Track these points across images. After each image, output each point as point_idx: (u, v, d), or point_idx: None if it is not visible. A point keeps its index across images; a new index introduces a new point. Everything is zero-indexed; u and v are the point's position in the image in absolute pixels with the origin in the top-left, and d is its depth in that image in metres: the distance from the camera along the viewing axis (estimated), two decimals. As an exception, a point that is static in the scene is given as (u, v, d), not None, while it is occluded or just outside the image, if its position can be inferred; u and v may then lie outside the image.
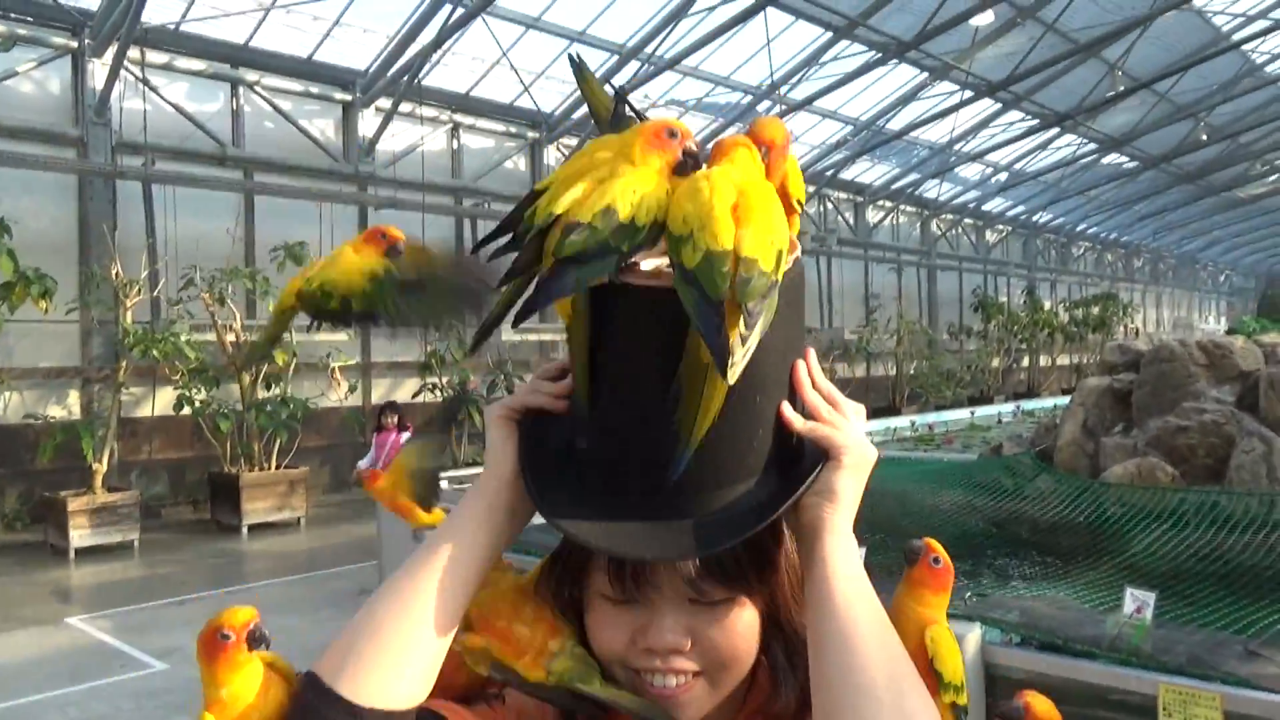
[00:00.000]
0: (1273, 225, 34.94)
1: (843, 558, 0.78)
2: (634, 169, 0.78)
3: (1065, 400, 13.96)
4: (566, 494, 0.81)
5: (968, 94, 17.48)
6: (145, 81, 10.89)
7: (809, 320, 18.99)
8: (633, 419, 0.79)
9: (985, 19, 14.85)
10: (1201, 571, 3.36)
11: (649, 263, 0.80)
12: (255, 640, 0.83)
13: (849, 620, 0.74)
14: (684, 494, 0.78)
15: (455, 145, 14.24)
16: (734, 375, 0.72)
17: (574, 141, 15.09)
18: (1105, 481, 4.59)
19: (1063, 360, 25.75)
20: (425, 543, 0.83)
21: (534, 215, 0.81)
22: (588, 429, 0.82)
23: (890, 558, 2.72)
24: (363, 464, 8.07)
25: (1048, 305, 25.60)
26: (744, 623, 0.83)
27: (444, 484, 6.73)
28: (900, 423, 10.14)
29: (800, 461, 0.81)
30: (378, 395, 13.17)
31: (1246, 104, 21.43)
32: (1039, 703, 0.81)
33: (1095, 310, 24.67)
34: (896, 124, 18.44)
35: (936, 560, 0.86)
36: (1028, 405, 12.22)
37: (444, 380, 11.44)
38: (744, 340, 0.72)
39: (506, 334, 13.15)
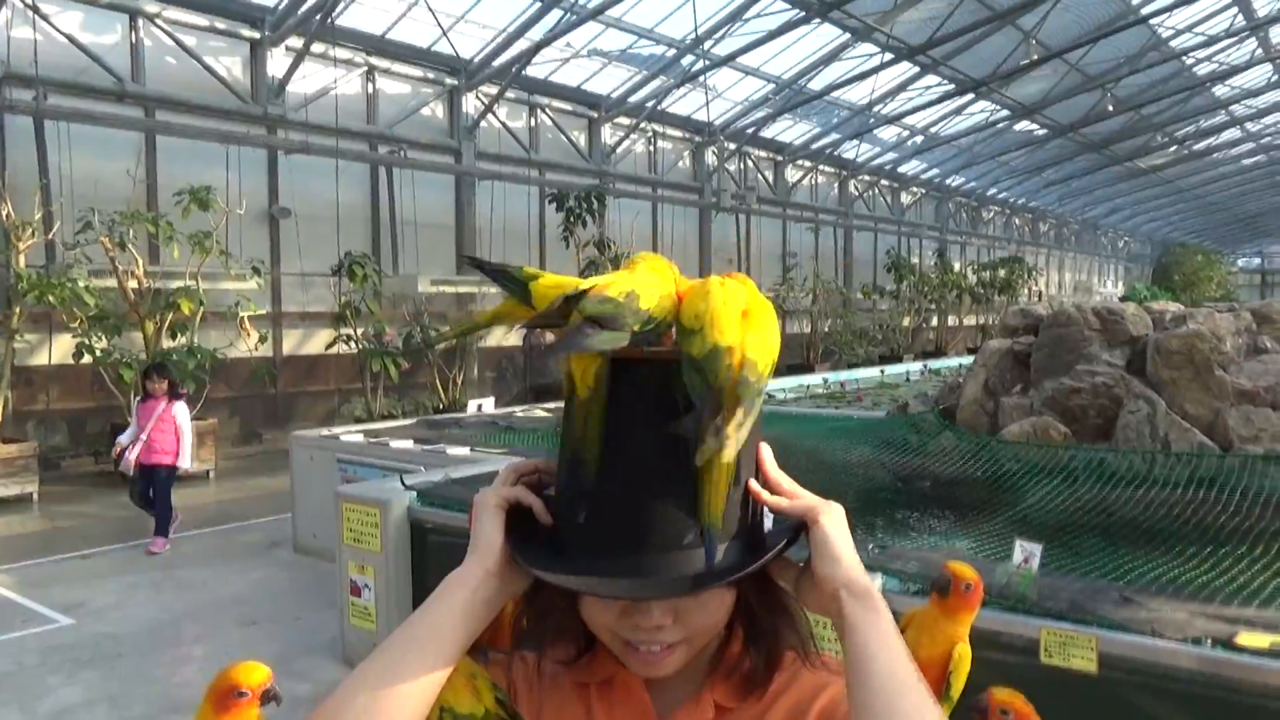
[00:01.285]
0: (1170, 195, 36.46)
1: (870, 621, 0.83)
2: (662, 279, 0.92)
3: (969, 360, 14.45)
4: (560, 563, 0.87)
5: (888, 56, 17.69)
6: (35, 9, 10.26)
7: (728, 277, 19.18)
8: (634, 483, 0.86)
9: (907, -18, 15.01)
10: (1087, 523, 3.57)
11: None
12: (268, 699, 0.87)
13: (889, 691, 0.79)
14: (671, 552, 0.85)
15: (370, 90, 13.82)
16: (729, 454, 0.81)
17: (494, 90, 14.81)
18: (1003, 439, 4.81)
19: (969, 321, 26.62)
20: (404, 630, 0.86)
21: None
22: (583, 498, 0.88)
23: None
24: (123, 439, 7.12)
25: (957, 267, 26.36)
26: (723, 601, 0.89)
27: (359, 438, 6.66)
28: (813, 380, 10.38)
29: (763, 532, 0.90)
30: (290, 346, 12.87)
31: (1151, 77, 22.21)
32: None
33: (1001, 273, 25.52)
34: (817, 84, 18.59)
35: (968, 586, 0.92)
36: (934, 364, 12.63)
37: (359, 332, 11.21)
38: (739, 427, 0.82)
39: (424, 286, 12.96)
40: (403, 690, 0.82)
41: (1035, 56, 18.82)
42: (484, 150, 15.18)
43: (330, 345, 11.59)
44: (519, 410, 8.24)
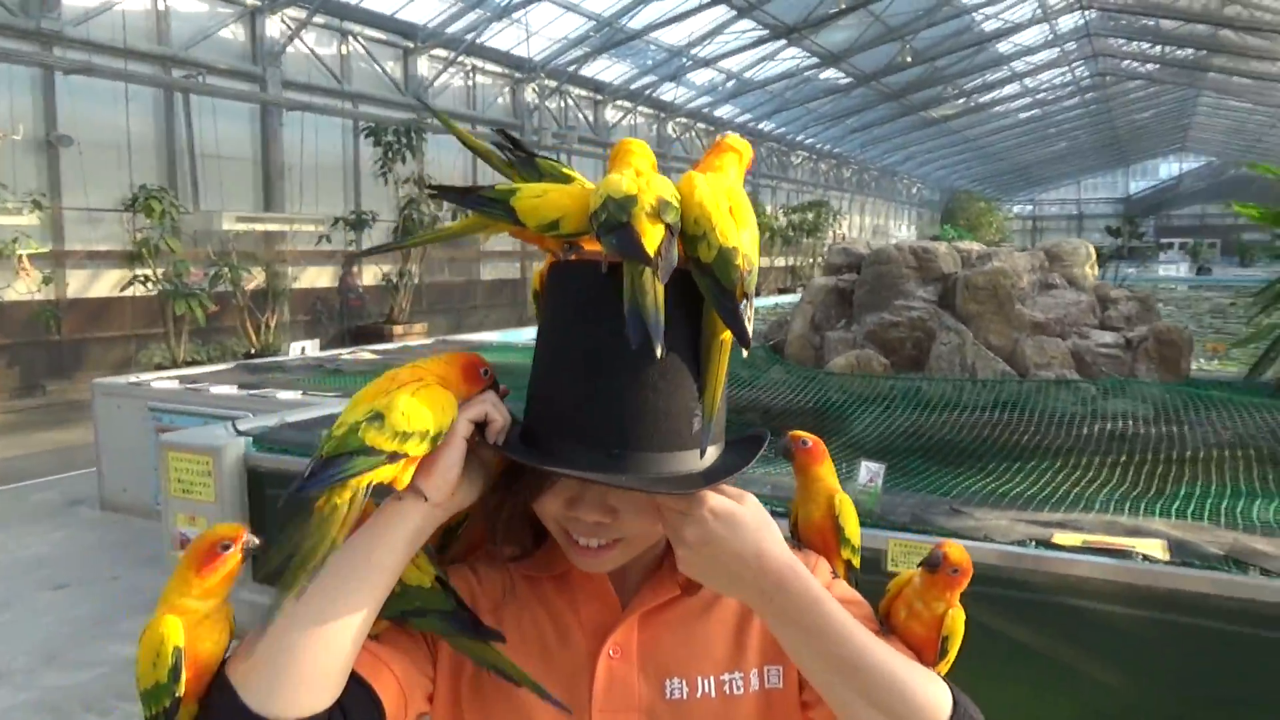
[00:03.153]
0: (957, 144, 39.16)
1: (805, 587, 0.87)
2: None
3: (784, 299, 15.11)
4: (559, 457, 0.88)
5: (705, -1, 17.92)
6: None
7: (550, 217, 19.07)
8: (629, 380, 0.87)
9: (725, -75, 15.18)
10: (910, 446, 3.87)
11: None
12: (250, 552, 0.85)
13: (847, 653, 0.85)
14: (669, 450, 0.88)
15: (161, 6, 12.63)
16: (747, 349, 0.88)
17: (301, 14, 13.88)
18: (829, 371, 5.11)
19: (779, 262, 27.75)
20: (341, 563, 0.84)
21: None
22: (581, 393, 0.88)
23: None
24: None
25: (769, 210, 27.34)
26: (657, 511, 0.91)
27: (173, 384, 6.23)
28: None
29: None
30: (75, 288, 11.76)
31: (944, 31, 23.63)
32: (954, 550, 0.95)
33: (810, 216, 26.71)
34: (637, 23, 18.59)
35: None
36: (756, 302, 13.12)
37: (157, 272, 10.39)
38: (749, 321, 0.87)
39: (228, 223, 12.15)
40: (340, 627, 0.82)
41: (843, 5, 19.59)
42: (291, 79, 14.26)
43: (124, 287, 10.69)
44: (344, 353, 7.95)
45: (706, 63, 21.83)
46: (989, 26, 25.05)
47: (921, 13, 21.70)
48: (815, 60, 23.41)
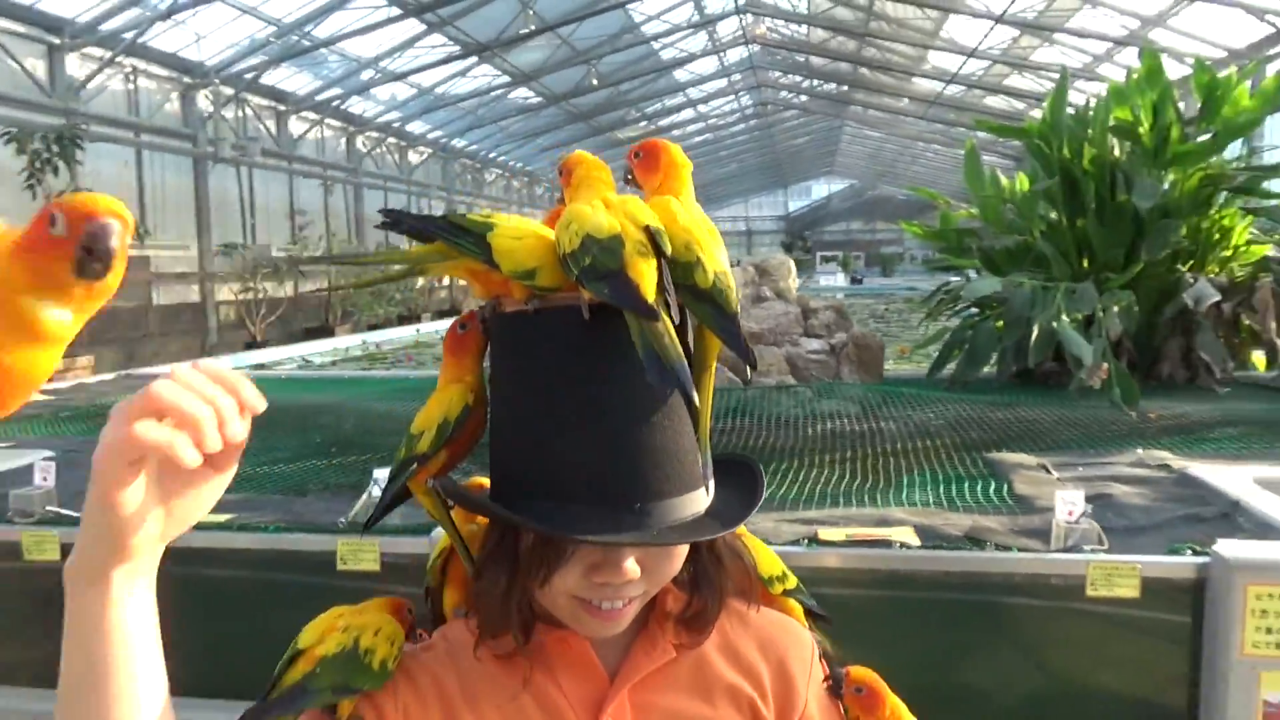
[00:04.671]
0: (641, 164, 41.29)
1: None
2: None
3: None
4: (574, 521, 0.81)
5: (395, 11, 17.50)
6: None
7: (232, 235, 17.67)
8: (630, 427, 0.82)
9: (414, -62, 14.95)
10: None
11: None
12: (96, 252, 0.58)
13: None
14: (687, 492, 0.84)
15: None
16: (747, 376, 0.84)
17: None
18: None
19: (480, 279, 27.71)
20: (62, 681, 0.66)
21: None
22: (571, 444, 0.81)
23: (353, 476, 2.78)
24: None
25: (466, 227, 27.19)
26: (683, 547, 0.89)
27: None
28: (349, 342, 10.10)
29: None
30: None
31: (628, 57, 24.87)
32: (854, 670, 0.98)
33: (508, 233, 26.96)
34: (323, 32, 17.77)
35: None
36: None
37: None
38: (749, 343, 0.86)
39: None
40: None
41: (533, 27, 19.99)
42: (-100, 73, 12.11)
43: None
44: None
45: (397, 76, 21.33)
46: (667, 55, 26.72)
47: (607, 38, 22.68)
48: (507, 79, 23.67)
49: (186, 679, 0.91)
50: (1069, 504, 2.13)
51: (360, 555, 2.41)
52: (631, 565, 0.85)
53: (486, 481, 0.91)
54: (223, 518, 2.76)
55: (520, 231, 0.89)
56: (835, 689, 0.97)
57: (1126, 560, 1.89)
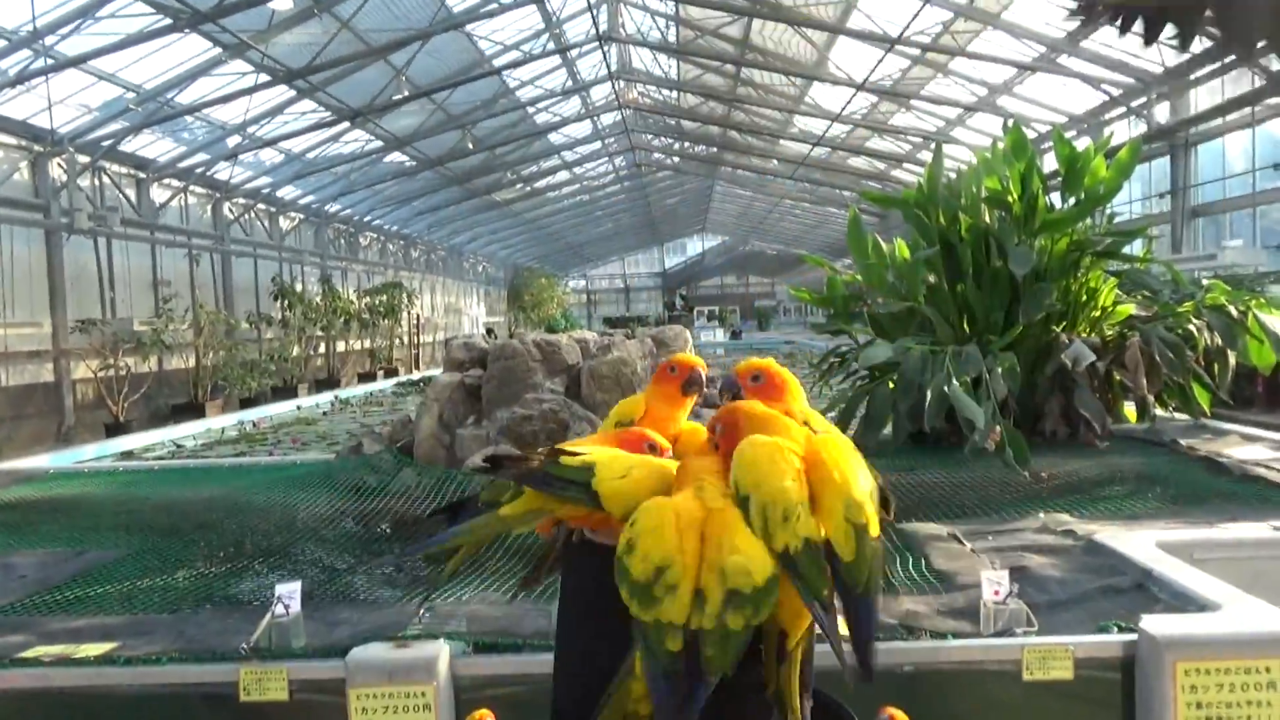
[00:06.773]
0: (519, 225, 41.33)
1: None
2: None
3: (381, 386, 14.65)
4: None
5: (264, 77, 17.11)
6: None
7: (90, 309, 16.70)
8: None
9: (284, 3, 14.70)
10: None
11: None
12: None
13: None
14: None
15: None
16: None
17: None
18: (466, 469, 5.03)
19: (356, 345, 26.99)
20: None
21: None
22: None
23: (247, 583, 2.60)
24: None
25: (342, 293, 26.53)
26: None
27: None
28: (224, 421, 9.59)
29: None
30: None
31: (503, 121, 25.00)
32: (898, 715, 0.96)
33: (385, 298, 26.41)
34: (186, 98, 17.19)
35: None
36: (344, 394, 12.54)
37: None
38: None
39: None
40: None
41: (406, 93, 19.87)
42: None
43: None
44: None
45: (267, 142, 20.78)
46: (541, 119, 27.00)
47: (481, 103, 22.76)
48: (381, 143, 23.39)
49: None
50: (994, 583, 2.15)
51: (265, 685, 2.25)
52: None
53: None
54: (104, 647, 2.52)
55: (623, 468, 0.84)
56: None
57: (1059, 642, 1.93)
